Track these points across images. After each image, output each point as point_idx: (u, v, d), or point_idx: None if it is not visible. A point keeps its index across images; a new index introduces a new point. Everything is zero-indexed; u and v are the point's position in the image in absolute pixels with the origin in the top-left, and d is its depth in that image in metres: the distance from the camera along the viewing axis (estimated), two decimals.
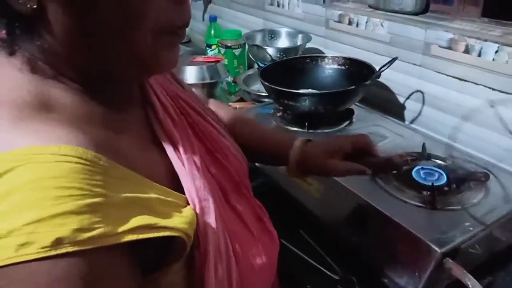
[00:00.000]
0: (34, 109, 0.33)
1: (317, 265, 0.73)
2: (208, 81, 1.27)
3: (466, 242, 0.62)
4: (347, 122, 1.00)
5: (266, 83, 0.97)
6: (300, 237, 0.80)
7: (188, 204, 0.40)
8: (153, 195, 0.35)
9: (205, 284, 0.39)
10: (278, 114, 1.06)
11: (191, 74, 1.28)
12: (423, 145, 0.82)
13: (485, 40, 0.84)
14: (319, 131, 0.98)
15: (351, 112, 1.02)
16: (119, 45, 0.36)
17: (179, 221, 0.36)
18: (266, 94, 1.12)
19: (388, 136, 0.92)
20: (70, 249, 0.28)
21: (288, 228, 0.82)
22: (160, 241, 0.34)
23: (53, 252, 0.27)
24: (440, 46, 0.93)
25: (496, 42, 0.82)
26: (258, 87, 1.28)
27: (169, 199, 0.37)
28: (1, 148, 0.30)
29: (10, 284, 0.27)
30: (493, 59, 0.83)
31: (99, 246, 0.29)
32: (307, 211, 0.81)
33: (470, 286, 0.58)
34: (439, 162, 0.80)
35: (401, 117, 1.07)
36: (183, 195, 0.40)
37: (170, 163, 0.42)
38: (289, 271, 0.74)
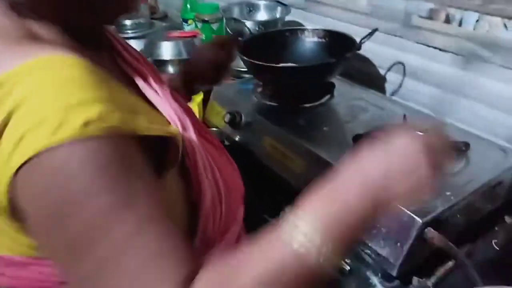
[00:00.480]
0: (26, 39, 0.37)
1: None
2: (185, 57, 1.23)
3: (447, 211, 0.63)
4: (328, 96, 0.98)
5: (245, 58, 0.95)
6: (284, 212, 0.79)
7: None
8: (145, 109, 0.41)
9: (202, 186, 0.47)
10: (258, 90, 1.04)
11: (167, 50, 1.23)
12: (404, 116, 0.82)
13: (466, 9, 0.83)
14: (300, 106, 0.96)
15: (332, 85, 1.00)
16: None
17: (172, 128, 0.43)
18: (246, 70, 1.09)
19: (369, 109, 0.91)
20: (97, 130, 0.32)
21: (274, 206, 0.82)
22: (159, 145, 0.40)
23: (84, 133, 0.32)
24: (420, 16, 0.91)
25: (476, 11, 0.81)
26: (237, 62, 1.25)
27: (157, 114, 0.45)
28: (11, 66, 0.33)
29: (49, 169, 0.31)
30: (474, 28, 0.82)
31: (120, 130, 0.34)
32: (291, 187, 0.80)
33: (451, 255, 0.59)
34: (420, 133, 0.79)
35: (382, 90, 1.06)
36: (164, 116, 0.46)
37: (144, 97, 0.46)
38: None
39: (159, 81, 0.52)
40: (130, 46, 0.56)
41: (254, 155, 0.91)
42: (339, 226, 0.36)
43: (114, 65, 0.49)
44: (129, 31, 1.52)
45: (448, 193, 0.65)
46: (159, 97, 0.48)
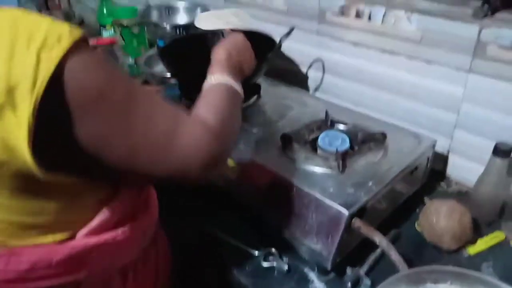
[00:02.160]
0: None
1: (239, 244, 0.73)
2: None
3: (371, 200, 0.66)
4: (255, 97, 0.99)
5: (167, 65, 0.92)
6: (221, 219, 0.79)
7: None
8: None
9: None
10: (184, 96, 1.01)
11: None
12: (326, 112, 0.85)
13: (373, 4, 0.87)
14: None
15: (258, 86, 1.01)
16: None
17: None
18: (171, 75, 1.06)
19: (294, 107, 0.93)
20: (77, 32, 0.41)
21: (208, 212, 0.81)
22: None
23: (76, 35, 0.40)
24: (333, 13, 0.95)
25: (382, 5, 0.86)
26: (162, 68, 1.21)
27: None
28: None
29: (77, 72, 0.40)
30: (382, 22, 0.87)
31: (82, 34, 0.42)
32: (225, 192, 0.80)
33: (377, 242, 0.62)
34: (342, 127, 0.83)
35: (305, 87, 1.09)
36: None
37: None
38: (213, 254, 0.73)
39: None
40: None
41: None
42: (235, 76, 0.65)
43: None
44: None
45: (370, 183, 0.68)
46: None
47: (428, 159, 0.80)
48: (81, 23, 1.87)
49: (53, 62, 0.38)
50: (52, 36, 0.38)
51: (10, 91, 0.37)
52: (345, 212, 0.63)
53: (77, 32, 0.40)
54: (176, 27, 1.17)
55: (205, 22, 0.95)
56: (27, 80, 0.37)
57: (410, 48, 0.84)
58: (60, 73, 0.38)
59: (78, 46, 0.40)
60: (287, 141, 0.78)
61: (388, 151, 0.76)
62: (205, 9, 1.23)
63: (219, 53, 0.68)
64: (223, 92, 0.60)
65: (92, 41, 1.22)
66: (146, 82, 1.23)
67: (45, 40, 0.38)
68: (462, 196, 0.82)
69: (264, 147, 0.80)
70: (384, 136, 0.77)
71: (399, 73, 0.88)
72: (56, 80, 0.38)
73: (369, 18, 0.89)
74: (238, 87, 0.64)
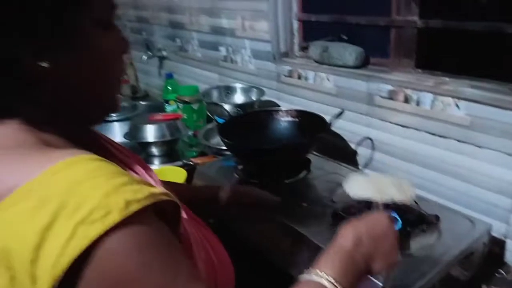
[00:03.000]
0: (41, 146, 0.42)
1: None
2: (168, 138, 1.29)
3: (425, 285, 0.66)
4: (305, 172, 1.04)
5: (226, 140, 1.00)
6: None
7: None
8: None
9: (197, 265, 0.49)
10: (240, 167, 1.08)
11: (150, 133, 1.29)
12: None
13: (421, 91, 0.93)
14: (280, 182, 1.00)
15: (308, 161, 1.06)
16: (101, 92, 0.48)
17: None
18: (226, 148, 1.15)
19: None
20: (137, 206, 0.36)
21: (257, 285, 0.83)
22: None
23: (129, 211, 0.36)
24: (382, 97, 1.01)
25: (430, 92, 0.91)
26: (218, 140, 1.31)
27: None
28: (43, 169, 0.37)
29: (106, 253, 0.35)
30: (430, 108, 0.91)
31: (149, 203, 0.38)
32: (275, 265, 0.82)
33: None
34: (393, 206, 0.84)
35: (354, 163, 1.13)
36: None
37: None
38: None
39: (150, 174, 0.56)
40: (114, 141, 0.61)
41: (237, 234, 0.93)
42: (346, 278, 0.51)
43: None
44: (113, 115, 1.58)
45: (425, 266, 0.68)
46: (152, 180, 0.53)
47: (484, 244, 0.78)
48: (145, 96, 2.08)
49: (86, 240, 0.34)
50: (99, 211, 0.35)
51: (33, 262, 0.33)
52: None
53: (136, 205, 0.36)
54: (233, 105, 1.28)
55: (356, 185, 0.75)
56: (53, 253, 0.33)
57: (459, 132, 0.87)
58: (93, 251, 0.34)
59: (128, 222, 0.35)
60: (338, 218, 0.80)
61: (441, 234, 0.76)
62: (260, 91, 1.34)
63: (345, 237, 0.54)
64: None
65: (158, 116, 1.35)
66: (203, 153, 1.33)
67: (89, 214, 0.34)
68: None
69: (313, 222, 0.82)
70: (437, 218, 0.78)
71: (450, 155, 0.90)
72: (86, 259, 0.34)
73: (417, 103, 0.94)
74: None
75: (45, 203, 0.35)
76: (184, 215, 0.50)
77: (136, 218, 0.36)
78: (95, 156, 0.41)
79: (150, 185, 0.41)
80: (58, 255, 0.33)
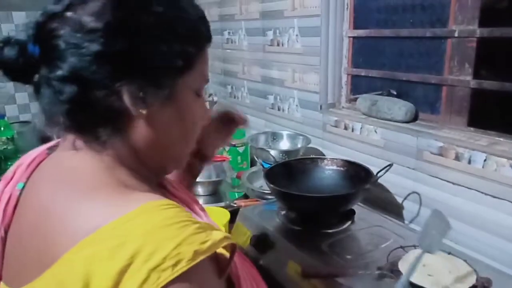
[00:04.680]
0: (122, 188, 0.46)
1: None
2: (214, 178, 1.34)
3: None
4: (349, 222, 1.03)
5: (271, 185, 1.03)
6: None
7: None
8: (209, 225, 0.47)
9: None
10: (282, 212, 1.09)
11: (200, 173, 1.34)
12: None
13: (473, 149, 0.92)
14: (323, 231, 1.00)
15: (353, 212, 1.06)
16: (178, 149, 0.55)
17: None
18: (269, 192, 1.17)
19: (390, 238, 0.95)
20: (203, 256, 0.40)
21: None
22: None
23: (196, 262, 0.39)
24: (431, 153, 1.01)
25: (483, 152, 0.90)
26: (261, 183, 1.34)
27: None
28: (119, 212, 0.41)
29: None
30: (483, 167, 0.90)
31: (213, 252, 0.42)
32: None
33: None
34: None
35: (400, 217, 1.11)
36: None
37: None
38: None
39: (201, 208, 0.60)
40: (169, 179, 0.64)
41: (278, 280, 0.92)
42: None
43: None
44: None
45: None
46: (203, 220, 0.56)
47: None
48: None
49: (155, 287, 0.37)
50: (171, 259, 0.38)
51: None
52: None
53: (202, 256, 0.40)
54: (279, 152, 1.32)
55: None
56: None
57: None
58: None
59: (193, 271, 0.39)
60: (384, 274, 0.78)
61: None
62: (306, 138, 1.38)
63: None
64: None
65: None
66: (245, 196, 1.35)
67: (162, 262, 0.38)
68: None
69: (357, 277, 0.81)
70: (489, 282, 0.74)
71: (503, 216, 0.87)
72: None
73: (469, 162, 0.93)
74: None
75: (125, 245, 0.38)
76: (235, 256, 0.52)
77: (198, 268, 0.39)
78: (168, 201, 0.45)
79: (213, 228, 0.45)
80: None
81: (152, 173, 0.55)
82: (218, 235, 0.43)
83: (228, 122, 0.83)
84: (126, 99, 0.46)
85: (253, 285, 0.57)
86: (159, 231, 0.40)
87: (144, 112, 0.47)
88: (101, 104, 0.45)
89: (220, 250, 0.46)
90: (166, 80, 0.48)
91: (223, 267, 0.47)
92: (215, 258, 0.46)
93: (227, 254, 0.47)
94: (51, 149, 0.55)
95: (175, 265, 0.38)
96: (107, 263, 0.38)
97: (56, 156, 0.51)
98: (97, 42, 0.43)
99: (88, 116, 0.46)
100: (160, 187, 0.59)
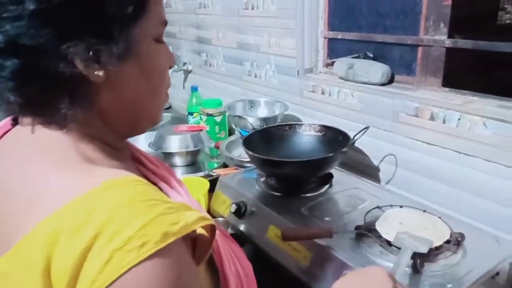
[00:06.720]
0: (85, 164, 0.43)
1: None
2: (192, 149, 1.32)
3: None
4: (327, 186, 1.04)
5: (250, 152, 1.02)
6: None
7: None
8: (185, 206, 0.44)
9: (228, 279, 0.52)
10: (262, 179, 1.10)
11: (175, 143, 1.32)
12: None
13: (448, 109, 0.93)
14: (302, 195, 1.01)
15: (330, 176, 1.07)
16: (150, 103, 0.49)
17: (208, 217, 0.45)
18: (249, 160, 1.16)
19: (367, 199, 0.96)
20: (172, 238, 0.37)
21: None
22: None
23: (164, 244, 0.36)
24: (407, 114, 1.01)
25: (457, 111, 0.91)
26: (240, 152, 1.33)
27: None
28: (82, 189, 0.38)
29: (138, 282, 0.35)
30: (457, 126, 0.91)
31: (184, 234, 0.39)
32: (296, 279, 0.82)
33: None
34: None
35: (377, 179, 1.13)
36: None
37: None
38: None
39: (178, 182, 0.58)
40: (143, 151, 0.62)
41: (259, 245, 0.93)
42: None
43: (140, 174, 0.54)
44: None
45: (449, 286, 0.67)
46: (182, 198, 0.54)
47: (510, 264, 0.77)
48: (169, 107, 2.13)
49: (119, 269, 0.35)
50: (137, 241, 0.35)
51: (73, 278, 0.35)
52: None
53: (171, 238, 0.37)
54: (257, 119, 1.30)
55: (387, 224, 0.80)
56: (87, 279, 0.35)
57: (487, 152, 0.87)
58: (119, 279, 0.35)
59: (158, 255, 0.36)
60: (362, 234, 0.80)
61: (466, 253, 0.75)
62: (283, 104, 1.36)
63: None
64: None
65: (183, 127, 1.39)
66: (224, 165, 1.35)
67: (127, 243, 0.35)
68: None
69: (336, 237, 0.82)
70: (462, 237, 0.77)
71: (477, 174, 0.90)
72: (111, 285, 0.35)
73: (444, 121, 0.94)
74: None
75: (87, 224, 0.36)
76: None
77: (167, 251, 0.37)
78: (136, 178, 0.42)
79: (188, 208, 0.42)
80: (92, 281, 0.34)
81: (126, 136, 0.51)
82: (191, 216, 0.41)
83: None
84: (77, 62, 0.40)
85: (236, 263, 0.57)
86: (124, 208, 0.37)
87: (101, 74, 0.42)
88: (50, 74, 0.40)
89: (201, 231, 0.45)
90: (119, 33, 0.42)
91: (204, 249, 0.45)
92: (192, 240, 0.44)
93: (208, 235, 0.45)
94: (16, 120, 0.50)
95: (141, 246, 0.35)
96: (69, 243, 0.35)
97: (20, 130, 0.48)
98: (29, 0, 0.37)
99: (39, 90, 0.41)
100: (138, 164, 0.57)
